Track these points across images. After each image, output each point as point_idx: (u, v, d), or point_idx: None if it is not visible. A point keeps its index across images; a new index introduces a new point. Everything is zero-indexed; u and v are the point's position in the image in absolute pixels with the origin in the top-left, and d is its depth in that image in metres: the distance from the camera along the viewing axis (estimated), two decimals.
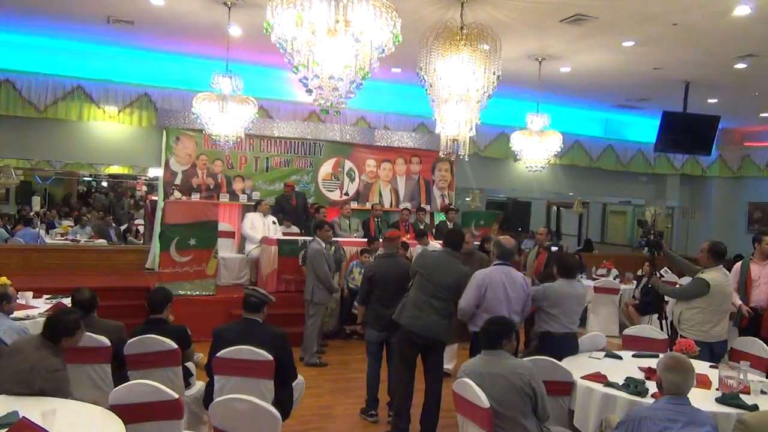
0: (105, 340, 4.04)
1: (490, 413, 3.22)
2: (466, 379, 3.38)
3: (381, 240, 6.54)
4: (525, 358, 3.91)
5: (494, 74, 5.76)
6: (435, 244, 8.13)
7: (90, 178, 14.65)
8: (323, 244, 6.97)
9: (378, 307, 5.20)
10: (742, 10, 6.01)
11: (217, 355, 3.92)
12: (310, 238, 7.26)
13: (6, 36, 8.28)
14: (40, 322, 4.91)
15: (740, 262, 6.10)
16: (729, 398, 3.59)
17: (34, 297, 5.83)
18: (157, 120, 9.28)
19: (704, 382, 3.87)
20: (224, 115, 7.03)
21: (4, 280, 5.54)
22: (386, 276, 5.22)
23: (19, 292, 5.18)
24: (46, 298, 5.90)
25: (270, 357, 3.86)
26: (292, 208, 9.32)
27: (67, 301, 5.57)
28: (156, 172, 10.27)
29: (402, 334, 4.76)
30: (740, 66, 8.00)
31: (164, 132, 9.33)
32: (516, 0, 6.06)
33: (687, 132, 9.68)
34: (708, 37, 6.94)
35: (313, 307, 6.86)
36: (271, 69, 9.12)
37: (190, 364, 4.49)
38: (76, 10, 7.08)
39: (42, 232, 10.75)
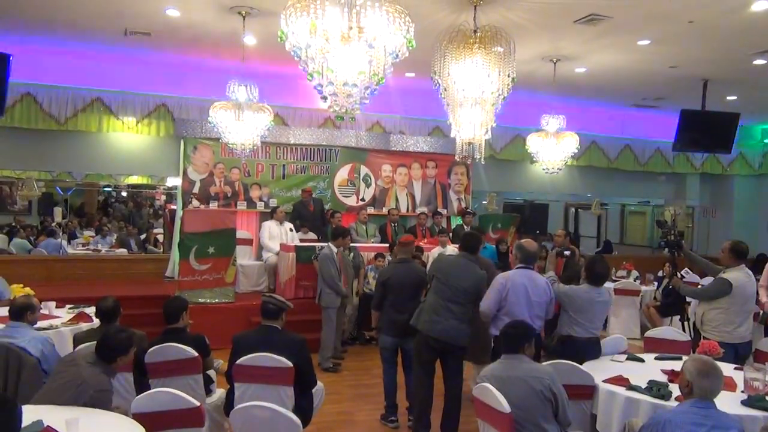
0: None
1: (511, 418, 3.20)
2: (487, 384, 3.37)
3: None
4: (545, 362, 3.88)
5: (509, 76, 5.72)
6: (452, 248, 8.13)
7: (110, 189, 14.83)
8: (334, 250, 7.02)
9: (392, 312, 5.18)
10: (760, 5, 5.92)
11: (237, 362, 3.94)
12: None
13: (26, 50, 8.43)
14: (64, 332, 5.04)
15: None
16: (755, 401, 3.53)
17: (56, 307, 5.90)
18: (174, 129, 9.38)
19: (729, 385, 3.80)
20: (240, 124, 7.09)
21: (27, 290, 5.64)
22: (400, 281, 5.21)
23: (42, 302, 5.25)
24: (69, 308, 5.97)
25: (289, 364, 3.87)
26: (309, 214, 9.36)
27: (89, 311, 5.65)
28: (174, 181, 10.38)
29: (420, 339, 4.75)
30: (759, 62, 7.89)
31: (182, 141, 9.44)
32: (529, 1, 6.04)
33: (706, 130, 9.55)
34: (725, 33, 6.85)
35: (323, 311, 6.94)
36: (286, 77, 9.18)
37: (211, 372, 4.52)
38: (95, 24, 7.20)
39: (64, 243, 10.91)
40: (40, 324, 4.89)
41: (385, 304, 5.24)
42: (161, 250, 11.37)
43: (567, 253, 7.51)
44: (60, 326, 5.18)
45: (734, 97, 10.02)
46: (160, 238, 12.11)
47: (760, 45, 7.25)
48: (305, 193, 9.53)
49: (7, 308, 4.49)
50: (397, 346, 5.26)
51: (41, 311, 5.07)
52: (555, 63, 8.12)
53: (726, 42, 7.16)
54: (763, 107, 10.95)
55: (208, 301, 7.64)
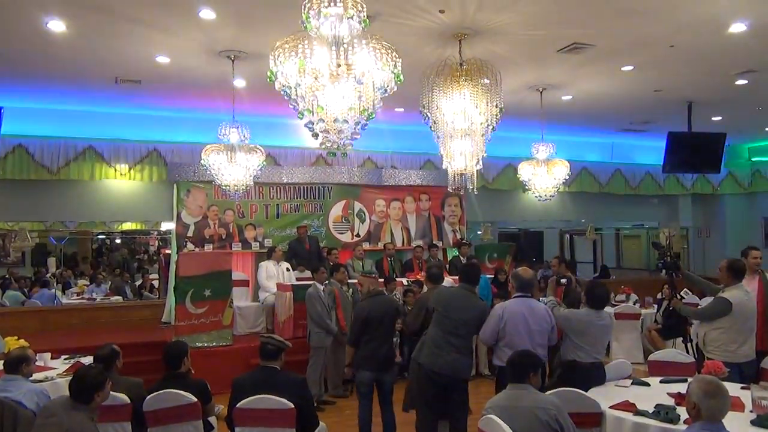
0: (124, 398, 4.01)
1: None
2: (492, 416, 3.31)
3: (362, 275, 6.43)
4: (550, 391, 3.82)
5: (497, 107, 5.82)
6: (448, 280, 8.09)
7: (104, 236, 14.77)
8: (320, 287, 7.00)
9: (372, 346, 5.09)
10: (737, 27, 6.06)
11: (237, 405, 3.88)
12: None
13: (18, 103, 8.50)
14: (59, 383, 4.95)
15: None
16: (765, 420, 3.48)
17: (52, 358, 5.82)
18: (167, 174, 9.40)
19: (737, 405, 3.74)
20: (233, 165, 7.11)
21: (22, 342, 5.56)
22: (379, 315, 5.13)
23: (36, 354, 5.17)
24: (64, 359, 5.88)
25: (290, 405, 3.81)
26: (305, 252, 9.31)
27: (85, 360, 5.57)
28: (168, 225, 10.35)
29: (423, 374, 4.66)
30: (741, 82, 8.03)
31: (175, 186, 9.44)
32: (512, 34, 6.15)
33: (694, 151, 9.67)
34: (706, 56, 6.99)
35: (312, 350, 6.88)
36: (277, 117, 9.27)
37: (211, 418, 4.43)
38: (85, 74, 7.28)
39: (58, 293, 10.80)
40: (35, 376, 4.81)
41: (363, 339, 5.14)
42: (157, 296, 11.28)
43: (563, 280, 7.50)
44: (56, 377, 5.09)
45: (719, 118, 10.17)
46: (156, 283, 12.02)
47: (741, 65, 7.39)
48: (301, 228, 9.52)
49: (2, 361, 4.41)
50: (375, 380, 5.16)
51: (36, 363, 5.00)
52: (541, 92, 8.24)
53: (707, 64, 7.30)
54: (748, 126, 11.11)
55: (206, 344, 7.54)
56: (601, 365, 4.56)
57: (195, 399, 4.02)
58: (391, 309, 5.25)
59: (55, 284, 11.30)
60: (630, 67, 7.39)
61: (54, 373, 5.27)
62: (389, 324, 5.18)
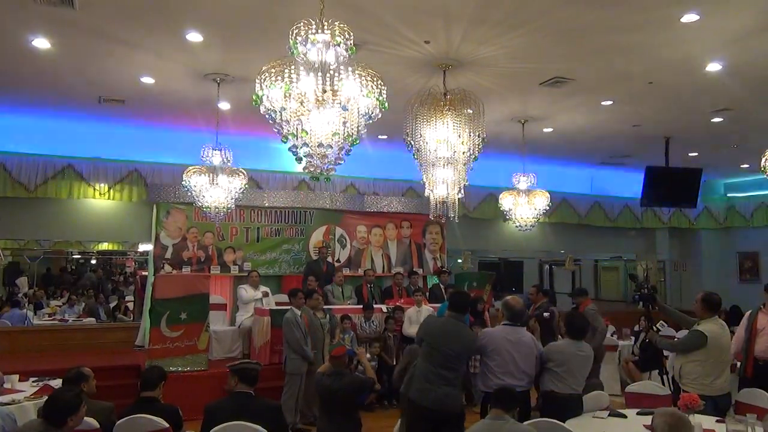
0: (94, 422, 3.89)
1: None
2: None
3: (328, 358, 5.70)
4: (528, 421, 3.81)
5: (479, 137, 5.88)
6: (428, 308, 8.06)
7: (79, 256, 14.51)
8: (297, 313, 6.92)
9: (330, 418, 4.82)
10: (713, 67, 6.24)
11: None
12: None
13: None
14: (27, 407, 4.80)
15: (750, 311, 6.04)
16: None
17: (20, 380, 5.65)
18: (147, 195, 9.31)
19: None
20: (215, 188, 7.07)
21: None
22: (331, 394, 4.81)
23: (4, 376, 5.03)
24: (33, 381, 5.71)
25: None
26: (322, 273, 9.22)
27: (54, 383, 5.42)
28: (146, 247, 10.22)
29: (412, 410, 4.45)
30: (717, 120, 8.23)
31: (154, 207, 9.35)
32: (496, 66, 6.27)
33: (671, 186, 9.84)
34: (683, 93, 7.17)
35: (287, 376, 6.76)
36: (260, 141, 9.27)
37: None
38: (68, 92, 7.23)
39: (30, 313, 10.54)
40: (2, 399, 4.68)
41: (322, 412, 4.93)
42: (131, 318, 11.06)
43: (546, 314, 7.39)
44: (23, 400, 4.93)
45: (696, 154, 10.39)
46: (131, 306, 11.79)
47: (717, 104, 7.59)
48: (323, 250, 9.62)
49: None
50: None
51: (4, 385, 4.86)
52: (523, 123, 8.37)
53: (685, 101, 7.49)
54: (724, 163, 11.36)
55: (180, 369, 7.37)
56: (579, 397, 4.55)
57: (167, 425, 3.92)
58: (349, 390, 4.79)
59: (26, 304, 11.03)
60: (609, 102, 7.55)
61: (21, 395, 5.11)
62: (344, 404, 4.78)
